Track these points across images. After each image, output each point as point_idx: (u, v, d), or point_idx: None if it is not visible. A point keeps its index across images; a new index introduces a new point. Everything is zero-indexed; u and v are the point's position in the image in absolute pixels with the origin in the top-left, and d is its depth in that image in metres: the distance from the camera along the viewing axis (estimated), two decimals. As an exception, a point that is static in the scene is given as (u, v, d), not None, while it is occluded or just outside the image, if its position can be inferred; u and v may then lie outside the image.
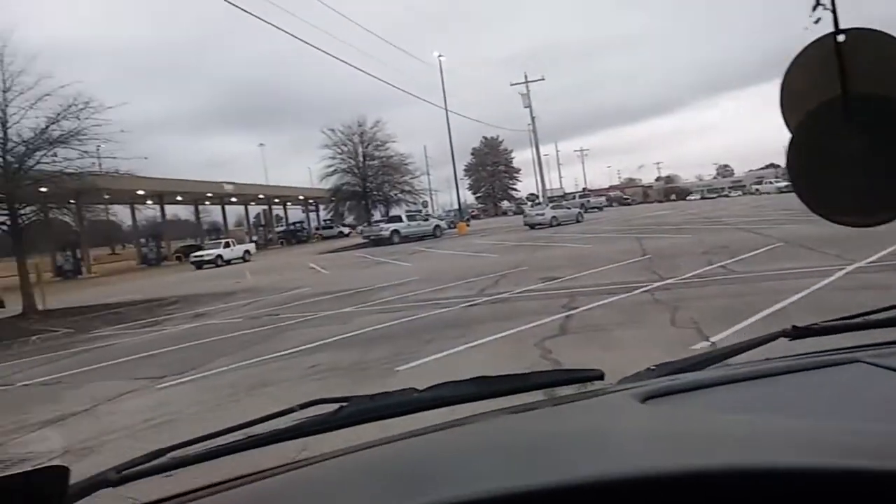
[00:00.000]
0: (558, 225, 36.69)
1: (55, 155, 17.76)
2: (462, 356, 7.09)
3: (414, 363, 6.96)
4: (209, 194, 54.68)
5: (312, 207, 74.13)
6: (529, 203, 67.94)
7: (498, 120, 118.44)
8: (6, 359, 11.29)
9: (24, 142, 17.42)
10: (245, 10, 18.91)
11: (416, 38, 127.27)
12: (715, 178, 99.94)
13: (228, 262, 36.39)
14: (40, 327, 14.85)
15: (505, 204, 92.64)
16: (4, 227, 17.92)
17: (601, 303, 9.44)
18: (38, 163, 17.68)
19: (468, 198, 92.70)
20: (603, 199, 67.61)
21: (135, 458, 0.98)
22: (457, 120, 64.45)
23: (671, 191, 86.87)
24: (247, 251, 39.60)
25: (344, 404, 1.10)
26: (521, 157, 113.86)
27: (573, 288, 11.34)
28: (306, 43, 25.57)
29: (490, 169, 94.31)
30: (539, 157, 57.92)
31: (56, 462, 0.84)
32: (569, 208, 42.48)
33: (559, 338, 7.46)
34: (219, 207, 60.24)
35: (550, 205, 43.35)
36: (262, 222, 66.03)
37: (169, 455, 1.01)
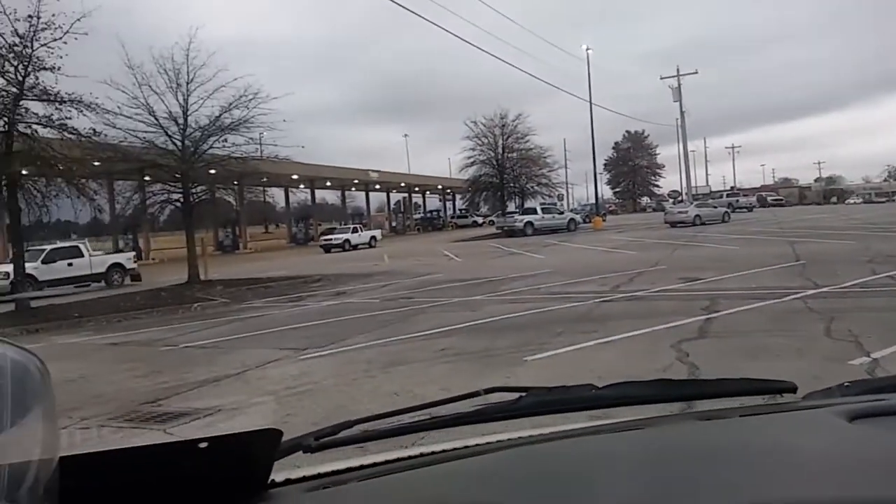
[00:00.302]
0: (702, 224, 34.79)
1: (225, 140, 19.57)
2: (592, 351, 6.96)
3: (543, 354, 6.92)
4: (355, 181, 57.33)
5: (449, 197, 75.58)
6: (671, 200, 64.92)
7: (645, 114, 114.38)
8: (172, 322, 12.57)
9: (200, 128, 19.26)
10: (400, 5, 19.57)
11: (567, 30, 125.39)
12: (885, 180, 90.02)
13: (355, 247, 37.16)
14: (201, 296, 16.34)
15: (644, 200, 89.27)
16: (178, 204, 19.96)
17: (746, 307, 8.87)
18: (210, 147, 19.51)
19: (606, 193, 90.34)
20: (753, 198, 63.15)
21: (324, 427, 1.03)
22: (601, 114, 63.03)
23: (832, 193, 79.52)
24: (373, 237, 40.41)
25: (523, 394, 1.09)
26: (666, 153, 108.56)
27: (715, 290, 10.74)
28: (456, 36, 26.06)
29: (631, 164, 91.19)
30: (686, 153, 55.13)
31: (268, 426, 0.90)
32: (714, 207, 40.13)
33: (698, 341, 7.11)
34: (363, 193, 63.06)
35: (695, 203, 41.19)
36: (402, 209, 68.23)
37: (357, 427, 1.05)
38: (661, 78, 53.26)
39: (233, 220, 41.48)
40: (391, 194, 68.36)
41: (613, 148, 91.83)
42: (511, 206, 49.27)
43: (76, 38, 14.23)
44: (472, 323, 9.35)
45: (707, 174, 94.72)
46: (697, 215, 35.89)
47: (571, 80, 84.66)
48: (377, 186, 61.76)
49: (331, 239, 38.17)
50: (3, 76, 14.02)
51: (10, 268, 18.32)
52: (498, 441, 1.07)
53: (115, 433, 5.49)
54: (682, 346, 6.78)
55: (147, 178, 21.17)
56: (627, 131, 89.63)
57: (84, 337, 11.66)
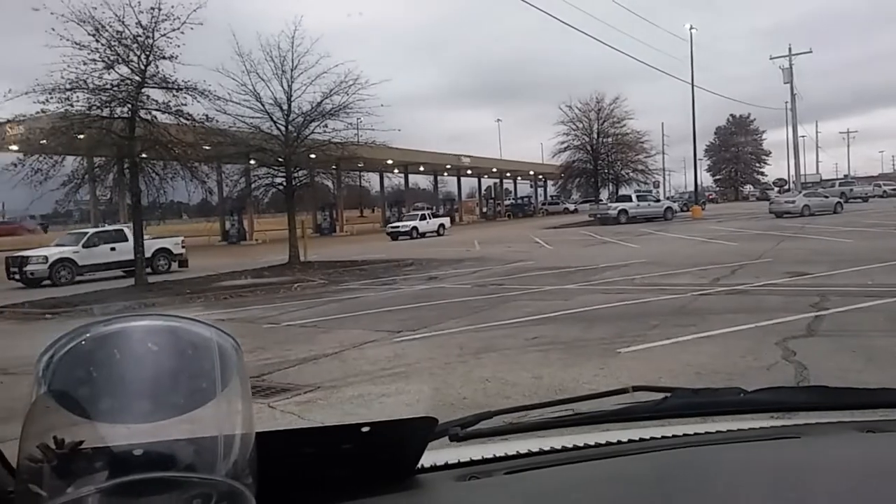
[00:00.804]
0: (810, 215, 32.69)
1: (325, 126, 20.30)
2: (690, 346, 6.76)
3: (637, 347, 6.80)
4: (448, 166, 57.75)
5: (541, 183, 74.76)
6: (776, 189, 61.39)
7: (751, 97, 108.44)
8: (274, 301, 13.18)
9: (302, 114, 20.07)
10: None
11: (670, 9, 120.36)
12: None
13: (423, 235, 35.73)
14: (301, 276, 17.04)
15: (748, 188, 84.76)
16: (281, 187, 20.86)
17: (861, 306, 8.33)
18: (311, 132, 20.29)
19: (706, 180, 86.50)
20: (870, 187, 58.64)
21: (466, 416, 1.02)
22: (703, 96, 60.16)
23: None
24: (441, 225, 38.54)
25: (668, 395, 1.05)
26: (773, 139, 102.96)
27: (825, 286, 10.13)
28: (554, 17, 25.61)
29: (734, 150, 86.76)
30: (796, 139, 51.89)
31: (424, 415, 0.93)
32: (825, 196, 37.57)
33: (806, 339, 6.75)
34: (455, 179, 63.45)
35: (803, 192, 38.76)
36: (492, 195, 68.15)
37: (497, 418, 1.04)
38: (771, 58, 50.28)
39: (331, 203, 42.78)
40: (482, 180, 68.38)
41: (715, 133, 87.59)
42: (604, 193, 48.23)
43: (192, 28, 15.16)
44: (563, 312, 9.28)
45: (818, 161, 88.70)
46: (806, 205, 33.76)
47: (673, 61, 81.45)
48: (469, 172, 61.94)
49: (398, 226, 36.79)
50: (127, 65, 15.08)
51: (50, 251, 19.63)
52: (643, 439, 1.06)
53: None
54: (789, 344, 6.46)
55: (252, 161, 22.19)
56: (731, 115, 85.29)
57: (193, 312, 12.45)
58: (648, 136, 51.29)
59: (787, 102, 53.23)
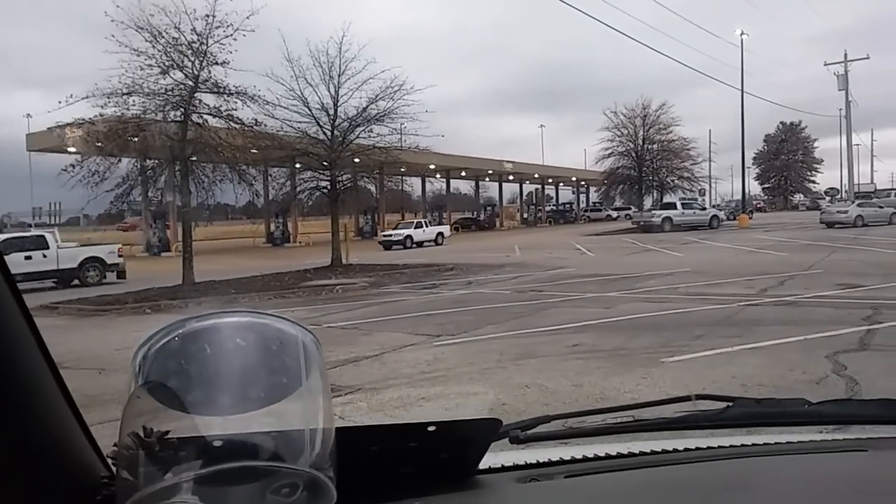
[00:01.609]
0: (864, 225, 31.62)
1: (370, 131, 20.55)
2: (736, 357, 6.63)
3: (681, 357, 6.70)
4: (489, 171, 57.73)
5: (583, 189, 74.08)
6: (828, 198, 59.56)
7: (803, 104, 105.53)
8: (317, 302, 13.39)
9: (348, 119, 20.34)
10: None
11: (721, 13, 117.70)
12: None
13: (420, 245, 32.74)
14: (343, 279, 17.27)
15: (797, 197, 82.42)
16: (325, 190, 21.19)
17: (916, 321, 8.05)
18: (356, 137, 20.55)
19: (754, 188, 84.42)
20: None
21: (524, 419, 1.02)
22: (753, 103, 58.60)
23: None
24: (440, 234, 35.38)
25: (730, 404, 1.03)
26: (825, 147, 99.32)
27: (879, 299, 9.81)
28: (601, 21, 25.36)
29: (784, 158, 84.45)
30: (850, 147, 50.32)
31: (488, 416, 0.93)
32: (880, 207, 36.23)
33: (858, 353, 6.56)
34: (496, 184, 63.39)
35: (857, 201, 37.51)
36: (534, 200, 67.78)
37: (555, 423, 1.05)
38: (826, 64, 49.04)
39: (373, 207, 43.10)
40: (524, 185, 68.11)
41: (765, 140, 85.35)
42: (648, 201, 47.53)
43: (244, 35, 15.56)
44: (605, 320, 9.20)
45: (872, 170, 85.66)
46: (859, 215, 32.66)
47: (723, 67, 79.87)
48: (510, 177, 61.78)
49: (391, 235, 33.55)
50: (182, 71, 15.55)
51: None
52: (705, 448, 1.04)
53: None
54: (839, 357, 6.29)
55: (298, 165, 22.56)
56: (782, 122, 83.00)
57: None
58: (695, 142, 50.39)
59: (840, 109, 51.73)
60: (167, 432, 0.60)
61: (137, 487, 0.60)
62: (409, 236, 33.06)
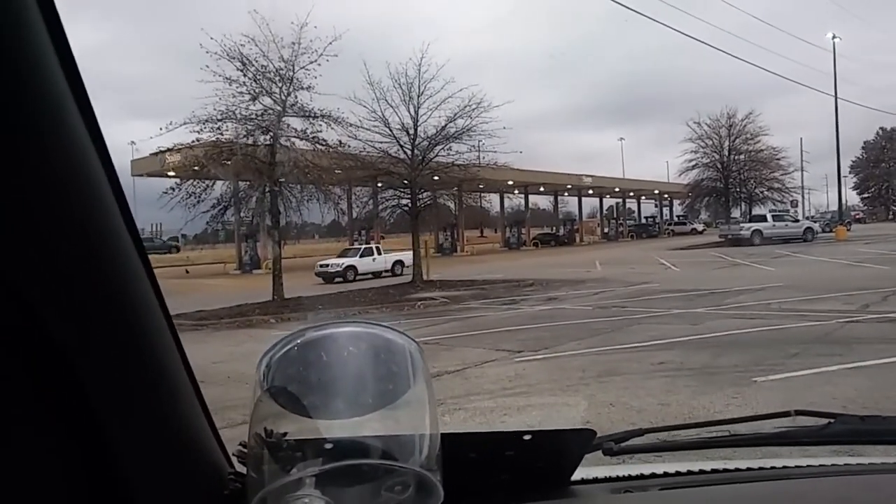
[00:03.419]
0: (982, 236, 29.26)
1: (449, 149, 20.93)
2: (835, 377, 6.29)
3: (775, 376, 6.41)
4: (568, 186, 57.15)
5: (666, 202, 72.02)
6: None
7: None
8: (399, 317, 13.61)
9: (427, 138, 20.79)
10: (629, 8, 19.31)
11: (815, 16, 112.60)
12: None
13: (378, 275, 25.99)
14: (424, 295, 17.49)
15: (901, 207, 77.21)
16: (406, 208, 21.60)
17: None
18: (436, 155, 20.95)
19: (852, 198, 79.64)
20: None
21: (616, 432, 1.01)
22: (849, 110, 55.46)
23: None
24: (398, 262, 27.11)
25: (831, 420, 1.00)
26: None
27: None
28: (680, 32, 24.83)
29: (885, 166, 79.37)
30: (960, 152, 46.59)
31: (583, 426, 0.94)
32: None
33: (973, 375, 6.10)
34: (575, 199, 62.64)
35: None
36: (615, 215, 66.47)
37: (648, 436, 1.04)
38: (931, 65, 45.78)
39: (452, 223, 43.52)
40: (604, 199, 66.96)
41: (863, 148, 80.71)
42: (736, 213, 45.69)
43: (328, 60, 16.19)
44: (692, 337, 8.93)
45: None
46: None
47: (814, 74, 76.08)
48: (590, 191, 60.90)
49: (327, 265, 25.69)
50: (270, 96, 16.33)
51: None
52: (802, 466, 1.02)
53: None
54: (953, 379, 5.87)
55: (380, 184, 23.11)
56: (881, 128, 78.29)
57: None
58: (786, 152, 48.13)
59: (949, 112, 48.11)
60: (282, 433, 0.66)
61: (263, 483, 0.65)
62: (352, 267, 25.65)
